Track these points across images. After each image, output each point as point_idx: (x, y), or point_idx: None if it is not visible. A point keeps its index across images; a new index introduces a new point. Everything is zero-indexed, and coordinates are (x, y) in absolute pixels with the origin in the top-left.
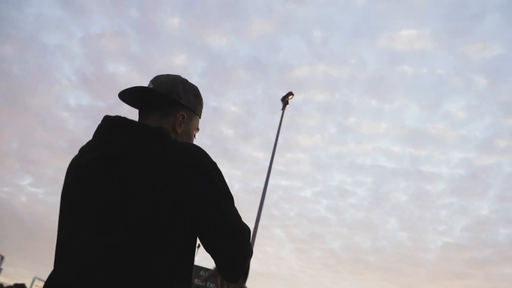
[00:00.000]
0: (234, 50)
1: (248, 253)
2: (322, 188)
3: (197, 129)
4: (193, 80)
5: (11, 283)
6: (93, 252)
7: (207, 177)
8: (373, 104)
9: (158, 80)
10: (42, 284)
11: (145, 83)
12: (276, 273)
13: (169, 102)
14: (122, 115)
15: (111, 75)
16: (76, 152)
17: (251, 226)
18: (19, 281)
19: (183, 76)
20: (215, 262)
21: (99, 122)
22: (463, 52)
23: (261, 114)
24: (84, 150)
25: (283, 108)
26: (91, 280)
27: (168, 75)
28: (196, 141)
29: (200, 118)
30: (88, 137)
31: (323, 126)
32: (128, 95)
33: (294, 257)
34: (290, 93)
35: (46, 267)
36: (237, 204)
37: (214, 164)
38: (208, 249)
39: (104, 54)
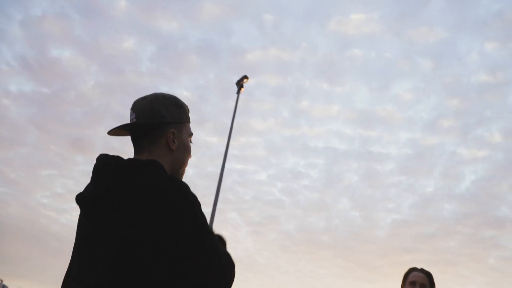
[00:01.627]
0: (185, 34)
1: (228, 278)
2: (276, 171)
3: (191, 135)
4: (143, 65)
5: None
6: None
7: (190, 210)
8: (325, 88)
9: (137, 107)
10: None
11: (92, 69)
12: (233, 256)
13: (155, 127)
14: (74, 101)
15: (55, 60)
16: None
17: (208, 211)
18: None
19: (133, 62)
20: None
21: (44, 110)
22: (409, 36)
23: (214, 99)
24: (85, 189)
25: (238, 92)
26: None
27: (144, 98)
28: None
29: (190, 122)
30: (33, 124)
31: (276, 110)
32: (116, 132)
33: (250, 239)
34: (245, 77)
35: None
36: (192, 190)
37: (195, 197)
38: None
39: (47, 38)
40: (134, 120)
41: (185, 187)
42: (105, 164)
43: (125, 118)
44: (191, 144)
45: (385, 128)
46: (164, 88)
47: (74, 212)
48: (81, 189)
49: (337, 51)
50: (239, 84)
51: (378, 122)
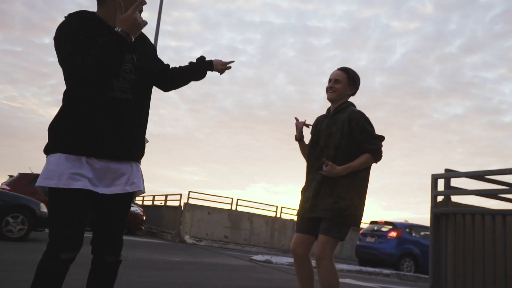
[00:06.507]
0: None
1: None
2: (212, 47)
3: None
4: None
5: None
6: None
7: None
8: None
9: None
10: None
11: None
12: (172, 134)
13: None
14: None
15: None
16: None
17: None
18: None
19: None
20: None
21: None
22: None
23: None
24: None
25: None
26: None
27: None
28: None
29: None
30: None
31: None
32: None
33: (189, 117)
34: None
35: None
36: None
37: (59, 32)
38: None
39: None
40: None
41: (61, 23)
42: None
43: None
44: None
45: (321, 1)
46: None
47: (0, 94)
48: (5, 70)
49: None
50: None
51: None
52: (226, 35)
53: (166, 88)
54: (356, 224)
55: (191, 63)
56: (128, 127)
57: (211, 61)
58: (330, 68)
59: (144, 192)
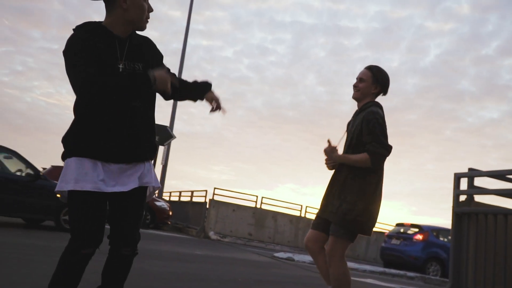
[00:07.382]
0: None
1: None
2: (243, 47)
3: None
4: None
5: None
6: None
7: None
8: None
9: None
10: None
11: None
12: (201, 132)
13: None
14: None
15: None
16: None
17: None
18: None
19: None
20: None
21: None
22: None
23: None
24: None
25: None
26: None
27: None
28: None
29: None
30: None
31: None
32: None
33: (218, 116)
34: None
35: None
36: None
37: (67, 47)
38: None
39: None
40: None
41: (69, 38)
42: None
43: None
44: (146, 4)
45: (353, 1)
46: None
47: (37, 90)
48: (42, 67)
49: None
50: None
51: None
52: (257, 35)
53: (166, 97)
54: (361, 231)
55: (195, 81)
56: (136, 132)
57: (210, 87)
58: (361, 69)
59: (159, 187)
